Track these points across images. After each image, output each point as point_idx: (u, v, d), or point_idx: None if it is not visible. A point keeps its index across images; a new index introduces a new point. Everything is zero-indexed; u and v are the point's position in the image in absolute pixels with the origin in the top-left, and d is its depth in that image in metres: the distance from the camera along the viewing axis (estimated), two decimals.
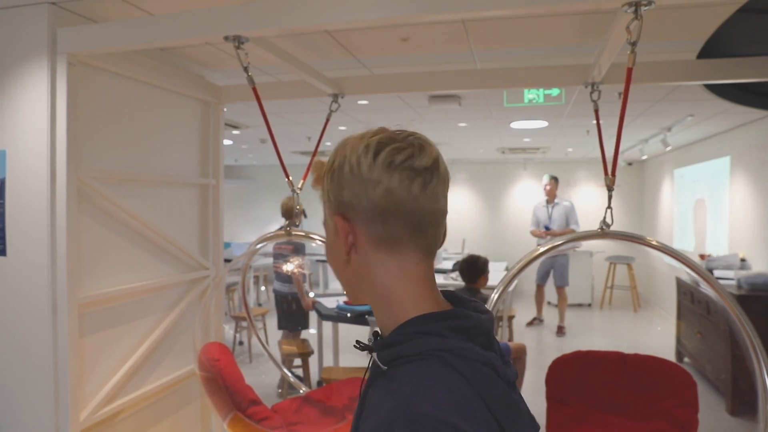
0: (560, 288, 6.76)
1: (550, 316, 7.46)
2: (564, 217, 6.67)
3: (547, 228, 6.66)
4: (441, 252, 7.70)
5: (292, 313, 4.46)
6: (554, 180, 6.77)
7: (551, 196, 6.74)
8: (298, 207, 2.16)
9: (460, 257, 7.75)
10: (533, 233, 6.86)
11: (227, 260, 5.08)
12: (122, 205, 2.20)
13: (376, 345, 0.73)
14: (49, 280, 1.90)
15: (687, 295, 5.09)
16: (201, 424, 2.83)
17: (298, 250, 4.42)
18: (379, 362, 0.70)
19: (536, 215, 6.89)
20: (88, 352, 2.08)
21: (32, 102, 1.90)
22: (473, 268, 3.74)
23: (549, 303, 8.29)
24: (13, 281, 1.96)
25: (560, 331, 6.52)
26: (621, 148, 2.63)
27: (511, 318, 5.86)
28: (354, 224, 0.73)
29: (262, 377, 4.61)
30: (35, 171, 1.90)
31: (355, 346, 0.80)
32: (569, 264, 6.84)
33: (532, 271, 8.32)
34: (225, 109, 2.98)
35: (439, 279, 5.29)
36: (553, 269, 6.79)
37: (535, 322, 7.02)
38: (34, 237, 1.91)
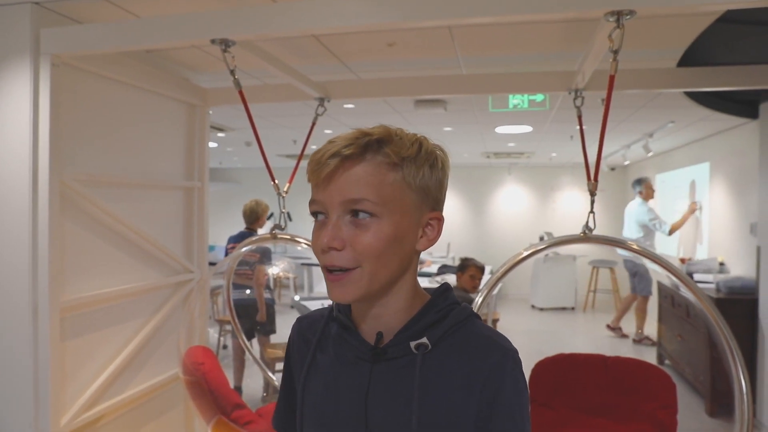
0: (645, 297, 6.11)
1: (542, 321, 7.52)
2: None
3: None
4: (426, 256, 7.72)
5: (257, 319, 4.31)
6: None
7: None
8: (283, 210, 2.16)
9: (444, 261, 7.80)
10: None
11: (212, 263, 5.02)
12: (106, 208, 2.18)
13: (429, 333, 0.78)
14: (30, 283, 1.88)
15: (668, 299, 5.17)
16: (185, 429, 2.80)
17: (265, 256, 4.34)
18: (429, 343, 0.77)
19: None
20: (69, 356, 2.05)
21: (14, 103, 1.87)
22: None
23: (533, 307, 8.35)
24: None
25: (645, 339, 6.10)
26: (604, 154, 2.66)
27: (495, 321, 5.88)
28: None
29: (247, 381, 4.58)
30: (17, 173, 1.88)
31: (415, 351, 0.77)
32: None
33: (525, 275, 8.38)
34: (210, 112, 2.97)
35: (424, 282, 5.30)
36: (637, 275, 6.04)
37: (646, 341, 6.07)
38: (15, 239, 1.89)
